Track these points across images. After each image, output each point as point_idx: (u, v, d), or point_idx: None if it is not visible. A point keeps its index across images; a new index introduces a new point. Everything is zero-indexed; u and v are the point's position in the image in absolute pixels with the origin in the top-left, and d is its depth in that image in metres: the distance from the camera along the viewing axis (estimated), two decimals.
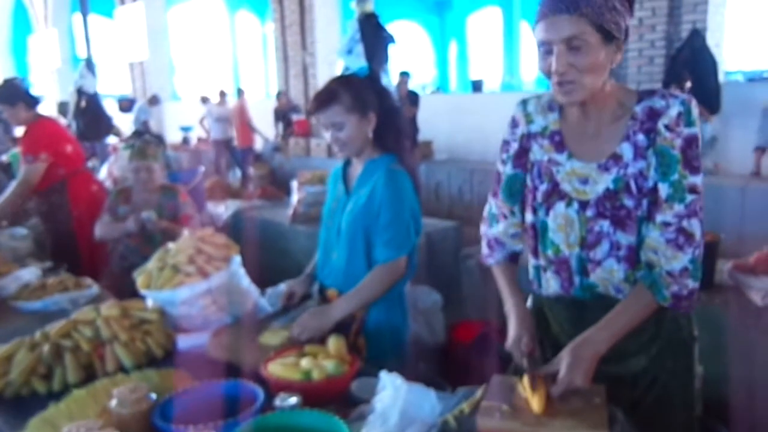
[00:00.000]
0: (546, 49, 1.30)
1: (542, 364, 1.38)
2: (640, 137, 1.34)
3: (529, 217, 1.52)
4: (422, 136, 8.12)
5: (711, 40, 6.23)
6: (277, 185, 6.90)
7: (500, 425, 1.18)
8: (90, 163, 4.64)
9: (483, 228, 1.67)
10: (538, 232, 1.50)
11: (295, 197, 4.76)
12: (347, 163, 2.10)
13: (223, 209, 5.43)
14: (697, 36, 6.13)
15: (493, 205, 1.62)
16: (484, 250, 1.67)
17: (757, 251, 2.66)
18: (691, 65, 5.98)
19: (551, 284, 1.52)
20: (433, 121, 8.35)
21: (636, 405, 1.41)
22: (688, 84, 5.75)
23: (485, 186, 6.81)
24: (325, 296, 2.07)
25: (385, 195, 1.90)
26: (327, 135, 1.96)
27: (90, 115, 6.39)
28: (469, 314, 3.44)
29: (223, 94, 10.03)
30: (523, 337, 1.46)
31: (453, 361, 2.93)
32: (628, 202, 1.36)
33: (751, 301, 2.45)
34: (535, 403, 1.20)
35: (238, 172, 9.45)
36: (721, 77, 6.37)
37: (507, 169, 1.55)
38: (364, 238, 1.95)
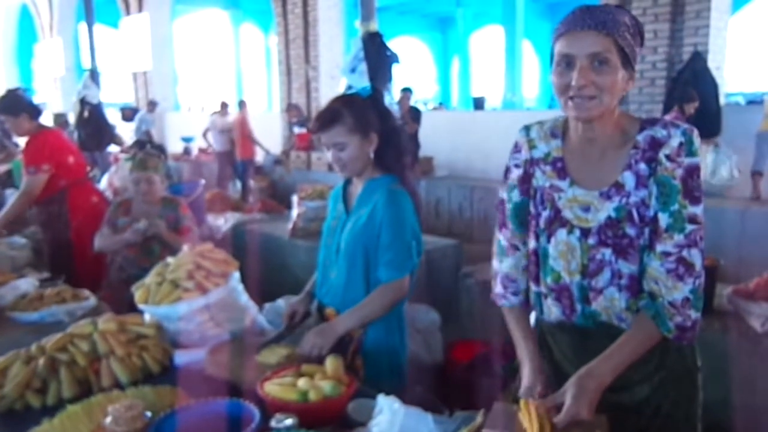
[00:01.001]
0: (567, 62, 1.30)
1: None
2: (642, 166, 1.34)
3: (531, 243, 1.52)
4: (423, 152, 8.13)
5: (712, 63, 6.27)
6: (277, 198, 6.90)
7: None
8: (91, 173, 4.64)
9: (495, 264, 1.63)
10: (540, 258, 1.50)
11: (295, 212, 4.75)
12: (348, 182, 2.11)
13: (222, 222, 5.42)
14: (699, 58, 6.17)
15: (501, 238, 1.59)
16: (498, 289, 1.61)
17: (756, 276, 2.66)
18: (693, 87, 6.00)
19: (552, 311, 1.51)
20: (435, 138, 8.37)
21: None
22: (696, 104, 5.72)
23: (485, 203, 6.82)
24: (323, 315, 2.06)
25: (386, 215, 1.90)
26: (329, 154, 1.97)
27: (92, 126, 6.42)
28: (467, 333, 3.43)
29: (225, 106, 10.06)
30: (537, 386, 1.42)
31: (451, 381, 2.92)
32: (631, 231, 1.36)
33: (751, 327, 2.44)
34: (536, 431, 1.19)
35: (239, 185, 9.45)
36: (721, 99, 6.40)
37: (514, 197, 1.53)
38: (363, 257, 1.95)
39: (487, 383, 2.65)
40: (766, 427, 2.44)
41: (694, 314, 1.33)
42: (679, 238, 1.31)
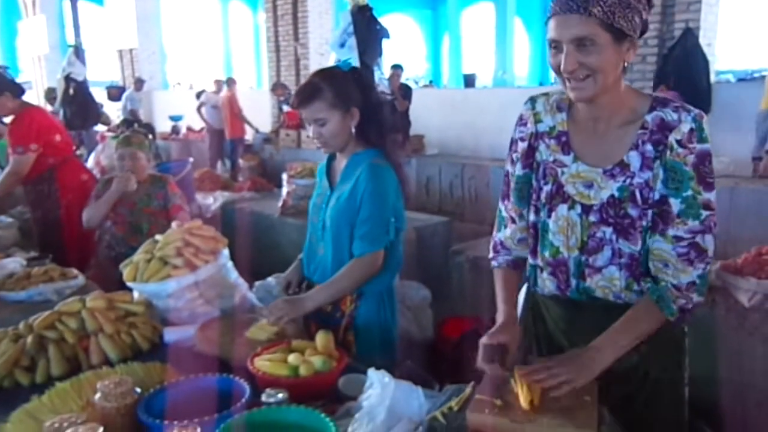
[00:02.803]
0: (555, 46, 1.29)
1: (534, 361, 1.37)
2: (649, 147, 1.33)
3: (531, 216, 1.51)
4: (414, 130, 8.10)
5: (703, 40, 6.25)
6: (267, 177, 6.86)
7: (489, 420, 1.17)
8: (78, 152, 4.59)
9: (494, 233, 1.65)
10: (539, 232, 1.49)
11: (285, 190, 4.73)
12: (332, 158, 2.08)
13: (212, 201, 5.39)
14: (690, 35, 6.14)
15: (502, 209, 1.60)
16: (490, 253, 1.65)
17: (744, 252, 2.67)
18: (683, 64, 5.99)
19: (547, 284, 1.51)
20: (425, 116, 8.32)
21: (627, 400, 1.41)
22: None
23: (476, 181, 6.81)
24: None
25: (367, 189, 1.88)
26: (310, 130, 1.94)
27: (78, 103, 6.32)
28: (457, 310, 3.44)
29: (219, 83, 9.94)
30: (501, 341, 1.38)
31: (441, 357, 2.94)
32: (633, 212, 1.35)
33: (738, 302, 2.47)
34: (523, 398, 1.20)
35: (228, 164, 9.39)
36: (712, 77, 6.39)
37: (517, 170, 1.53)
38: (348, 233, 1.93)
39: (477, 358, 2.66)
40: (751, 401, 2.47)
41: (697, 297, 1.34)
42: (694, 224, 1.31)
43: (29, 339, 1.77)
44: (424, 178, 7.38)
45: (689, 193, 1.31)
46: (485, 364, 1.33)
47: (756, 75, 10.88)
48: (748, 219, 4.27)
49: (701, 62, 6.11)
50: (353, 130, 1.94)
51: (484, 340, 1.39)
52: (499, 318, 1.49)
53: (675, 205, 1.32)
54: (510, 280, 1.58)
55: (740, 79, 9.66)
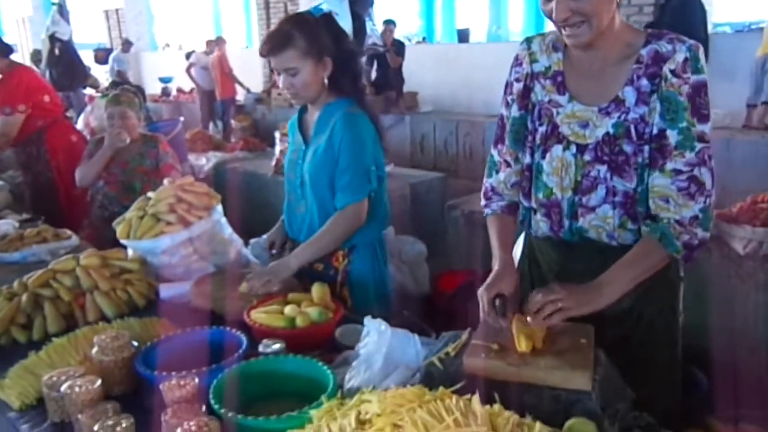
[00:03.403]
0: None
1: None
2: (644, 82, 1.31)
3: (526, 158, 1.50)
4: (407, 87, 8.00)
5: None
6: (260, 137, 6.79)
7: (485, 364, 1.18)
8: (67, 114, 4.52)
9: (484, 179, 1.63)
10: (533, 174, 1.48)
11: (277, 148, 4.69)
12: (303, 111, 2.00)
13: (204, 161, 5.35)
14: None
15: (495, 154, 1.58)
16: (482, 200, 1.63)
17: (740, 201, 2.67)
18: (680, 14, 5.88)
19: (540, 226, 1.51)
20: (419, 72, 8.20)
21: (621, 343, 1.42)
22: None
23: (471, 138, 6.76)
24: None
25: (344, 139, 1.82)
26: (279, 80, 1.85)
27: (64, 64, 6.20)
28: (453, 265, 3.45)
29: (211, 43, 9.75)
30: (500, 290, 1.36)
31: (437, 311, 2.95)
32: (627, 148, 1.33)
33: (733, 250, 2.48)
34: (522, 342, 1.20)
35: (220, 125, 9.28)
36: (709, 28, 6.30)
37: (513, 112, 1.50)
38: (329, 186, 1.88)
39: (473, 310, 2.68)
40: (743, 348, 2.51)
41: (702, 233, 1.31)
42: (690, 156, 1.29)
43: (24, 297, 1.77)
44: (418, 136, 7.32)
45: (684, 124, 1.29)
46: (486, 317, 1.33)
47: (753, 27, 10.71)
48: (743, 170, 4.26)
49: (698, 13, 6.00)
50: (326, 81, 1.86)
51: (482, 292, 1.38)
52: (495, 265, 1.48)
53: (672, 136, 1.30)
54: (505, 226, 1.57)
55: (737, 31, 9.52)
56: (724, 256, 2.48)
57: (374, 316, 1.47)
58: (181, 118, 5.47)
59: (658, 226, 1.33)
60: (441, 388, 1.07)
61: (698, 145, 1.29)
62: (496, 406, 1.03)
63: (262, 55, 1.85)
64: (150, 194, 2.13)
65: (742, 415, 1.95)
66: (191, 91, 10.53)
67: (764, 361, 2.43)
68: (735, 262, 2.45)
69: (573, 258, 1.46)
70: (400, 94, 7.85)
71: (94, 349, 1.41)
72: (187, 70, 9.73)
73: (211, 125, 9.42)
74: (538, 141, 1.45)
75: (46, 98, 3.66)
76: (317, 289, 1.68)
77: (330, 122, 1.86)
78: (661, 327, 1.46)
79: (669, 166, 1.31)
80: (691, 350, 1.62)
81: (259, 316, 1.58)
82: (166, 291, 1.93)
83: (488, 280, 1.43)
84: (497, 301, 1.33)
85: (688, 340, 1.55)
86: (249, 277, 1.80)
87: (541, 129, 1.44)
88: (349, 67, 1.90)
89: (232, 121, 8.25)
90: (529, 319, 1.24)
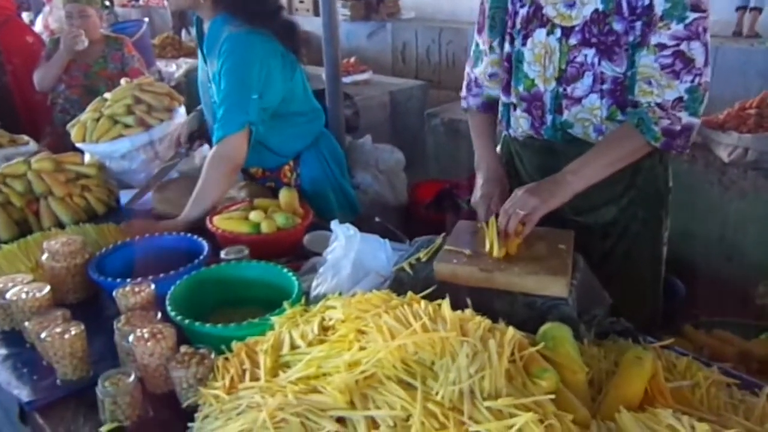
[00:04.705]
0: None
1: None
2: None
3: (506, 47, 1.36)
4: None
5: None
6: None
7: (456, 270, 1.11)
8: (22, 15, 4.22)
9: (467, 68, 1.52)
10: (513, 64, 1.35)
11: None
12: (199, 21, 1.76)
13: (174, 68, 5.07)
14: None
15: (480, 42, 1.46)
16: (463, 91, 1.53)
17: (727, 108, 2.58)
18: None
19: (521, 123, 1.40)
20: None
21: (605, 256, 1.36)
22: None
23: (454, 46, 6.51)
24: (249, 173, 1.91)
25: (225, 66, 1.60)
26: None
27: None
28: (432, 174, 3.37)
29: None
30: (494, 195, 1.32)
31: (413, 220, 2.90)
32: (618, 26, 1.20)
33: (718, 158, 2.41)
34: (495, 247, 1.13)
35: (193, 32, 8.84)
36: None
37: None
38: None
39: (451, 218, 2.62)
40: (721, 256, 2.49)
41: (686, 117, 1.18)
42: (677, 28, 1.15)
43: None
44: (399, 44, 7.03)
45: None
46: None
47: None
48: (732, 78, 4.14)
49: None
50: None
51: (477, 204, 1.32)
52: (481, 164, 1.41)
53: (659, 4, 1.15)
54: (484, 125, 1.49)
55: None
56: (709, 164, 2.41)
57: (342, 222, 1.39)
58: (146, 19, 5.14)
59: (637, 110, 1.21)
60: (410, 294, 1.01)
61: (690, 15, 1.14)
62: (468, 311, 0.97)
63: None
64: (107, 95, 1.99)
65: (718, 322, 1.95)
66: None
67: (742, 268, 2.43)
68: (719, 169, 2.38)
69: (554, 161, 1.35)
70: None
71: (44, 255, 1.32)
72: None
73: (183, 32, 8.96)
74: (518, 25, 1.32)
75: None
76: (285, 194, 1.59)
77: (218, 43, 1.64)
78: (646, 240, 1.40)
79: (653, 40, 1.17)
80: (670, 258, 1.58)
81: (222, 222, 1.49)
82: (127, 197, 1.83)
83: (478, 189, 1.36)
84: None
85: (669, 250, 1.49)
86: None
87: (522, 11, 1.30)
88: None
89: None
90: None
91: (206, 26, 1.70)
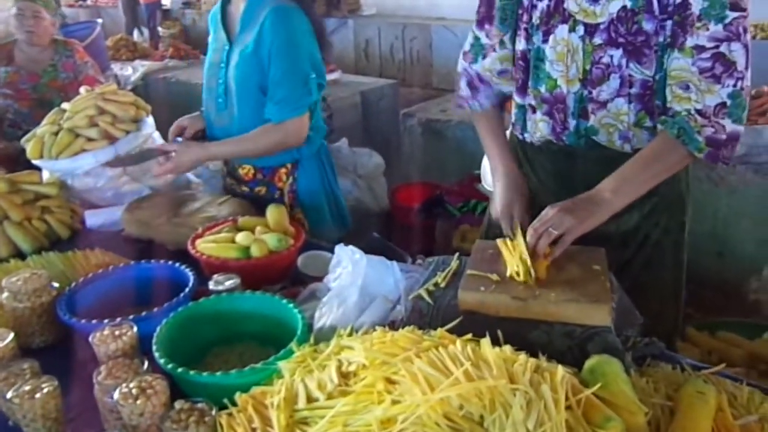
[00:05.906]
0: None
1: None
2: None
3: (520, 44, 1.25)
4: None
5: None
6: (191, 44, 6.25)
7: (485, 298, 0.99)
8: None
9: (463, 65, 1.40)
10: (531, 62, 1.24)
11: None
12: (226, 1, 1.68)
13: (130, 71, 4.84)
14: None
15: (482, 35, 1.33)
16: (464, 91, 1.40)
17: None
18: None
19: (540, 128, 1.29)
20: None
21: (625, 266, 1.27)
22: None
23: (418, 43, 6.42)
24: (236, 175, 1.77)
25: (275, 42, 1.53)
26: None
27: None
28: (411, 177, 3.25)
29: None
30: (515, 204, 1.22)
31: (396, 227, 2.78)
32: (648, 26, 1.10)
33: None
34: (521, 270, 1.01)
35: (146, 32, 8.52)
36: None
37: None
38: (258, 95, 1.59)
39: (441, 226, 2.52)
40: (711, 253, 2.46)
41: (731, 124, 1.08)
42: (716, 28, 1.05)
43: None
44: (362, 41, 6.91)
45: None
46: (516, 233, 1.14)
47: None
48: None
49: None
50: None
51: (500, 215, 1.22)
52: (498, 171, 1.31)
53: (696, 4, 1.06)
54: (497, 125, 1.38)
55: None
56: (698, 159, 2.37)
57: (335, 239, 1.27)
58: (99, 20, 4.89)
59: (676, 119, 1.11)
60: (439, 330, 0.89)
61: (730, 15, 1.05)
62: (506, 348, 0.85)
63: None
64: (65, 105, 1.81)
65: (720, 322, 1.90)
66: None
67: (733, 264, 2.40)
68: (708, 165, 2.34)
69: (573, 169, 1.26)
70: None
71: (4, 295, 1.16)
72: None
73: (135, 32, 8.64)
74: (536, 20, 1.20)
75: None
76: (273, 212, 1.44)
77: (258, 16, 1.56)
78: (668, 248, 1.31)
79: (690, 42, 1.07)
80: None
81: (206, 246, 1.34)
82: (93, 218, 1.67)
83: (497, 198, 1.26)
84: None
85: None
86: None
87: (542, 5, 1.19)
88: None
89: (160, 28, 7.58)
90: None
91: (242, 3, 1.60)
